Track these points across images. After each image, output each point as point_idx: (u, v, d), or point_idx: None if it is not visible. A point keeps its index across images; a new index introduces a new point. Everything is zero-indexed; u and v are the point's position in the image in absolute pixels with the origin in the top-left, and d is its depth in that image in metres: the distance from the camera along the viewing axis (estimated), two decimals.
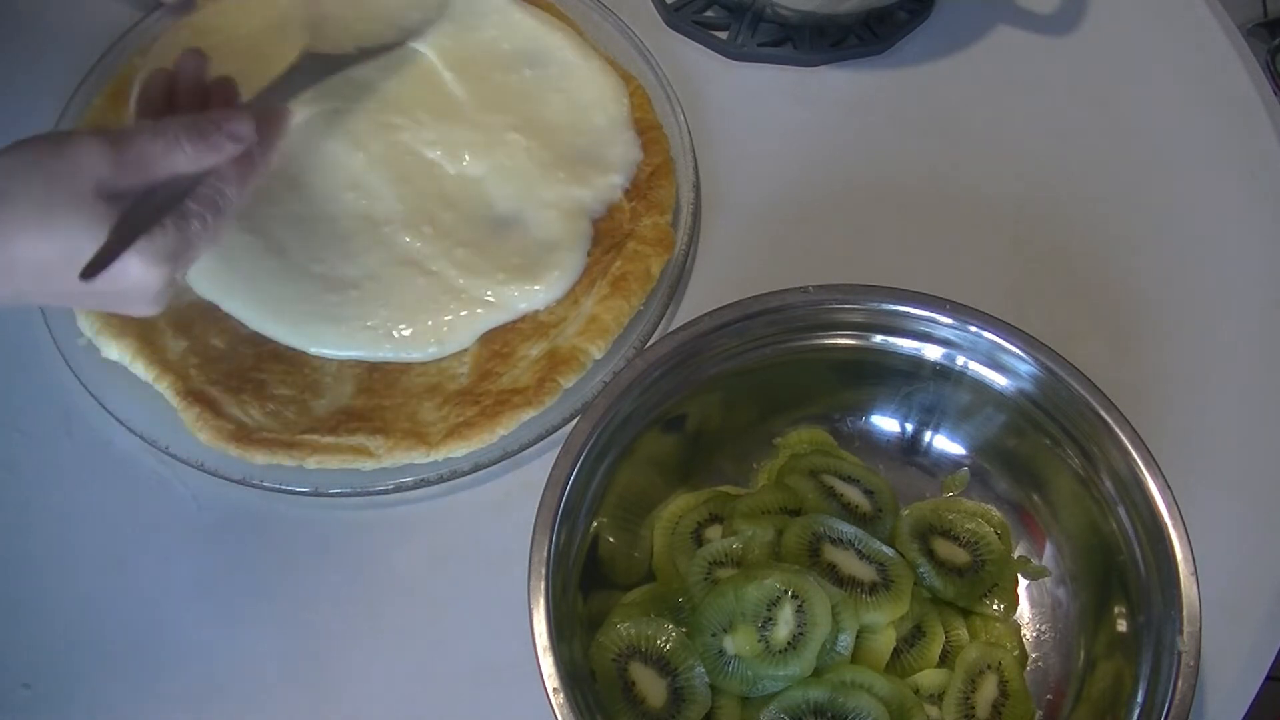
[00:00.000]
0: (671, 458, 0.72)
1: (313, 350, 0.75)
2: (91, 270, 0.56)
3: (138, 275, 0.58)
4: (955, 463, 0.74)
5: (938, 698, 0.67)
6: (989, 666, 0.67)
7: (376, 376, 0.76)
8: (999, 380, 0.69)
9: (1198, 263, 0.84)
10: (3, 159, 0.57)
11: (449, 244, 0.78)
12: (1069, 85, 0.90)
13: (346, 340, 0.75)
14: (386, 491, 0.73)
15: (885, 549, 0.68)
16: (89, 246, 0.56)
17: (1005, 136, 0.88)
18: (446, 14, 0.85)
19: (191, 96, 0.70)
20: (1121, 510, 0.66)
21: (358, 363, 0.76)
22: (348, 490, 0.73)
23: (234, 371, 0.74)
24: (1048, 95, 0.90)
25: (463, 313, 0.76)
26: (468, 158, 0.81)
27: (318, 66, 0.75)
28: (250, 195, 0.65)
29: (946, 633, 0.68)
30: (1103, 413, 0.65)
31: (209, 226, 0.61)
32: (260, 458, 0.72)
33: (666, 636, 0.65)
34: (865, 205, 0.85)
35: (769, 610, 0.63)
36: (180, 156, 0.60)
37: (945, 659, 0.68)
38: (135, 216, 0.58)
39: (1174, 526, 0.63)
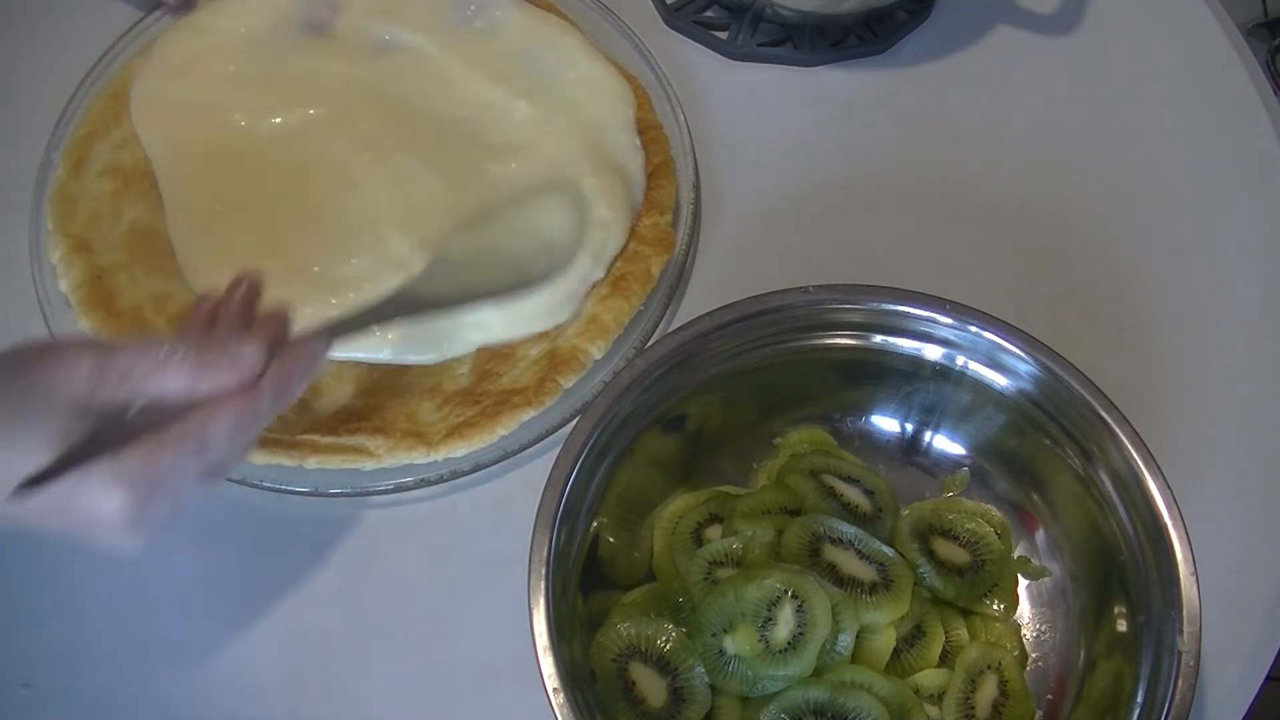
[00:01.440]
0: (671, 458, 0.72)
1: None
2: (29, 484, 0.50)
3: (95, 501, 0.52)
4: (955, 463, 0.74)
5: (938, 698, 0.67)
6: (989, 666, 0.67)
7: (376, 376, 0.76)
8: (999, 380, 0.69)
9: (1198, 263, 0.84)
10: None
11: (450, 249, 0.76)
12: (1069, 85, 0.90)
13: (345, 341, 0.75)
14: (386, 491, 0.73)
15: (885, 549, 0.68)
16: (46, 461, 0.51)
17: (1005, 136, 0.88)
18: (457, 23, 0.84)
19: (235, 322, 0.61)
20: (1121, 510, 0.66)
21: (358, 363, 0.76)
22: (348, 490, 0.73)
23: None
24: (1048, 95, 0.90)
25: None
26: (472, 160, 0.80)
27: (406, 306, 0.65)
28: (249, 443, 0.57)
29: (946, 633, 0.68)
30: (1103, 413, 0.65)
31: (188, 459, 0.53)
32: (260, 458, 0.72)
33: (666, 636, 0.65)
34: (865, 205, 0.85)
35: (769, 610, 0.63)
36: (170, 377, 0.54)
37: (945, 659, 0.68)
38: (105, 436, 0.52)
39: (1174, 526, 0.63)
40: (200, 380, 0.54)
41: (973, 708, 0.66)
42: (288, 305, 0.62)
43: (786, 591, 0.63)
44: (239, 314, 0.61)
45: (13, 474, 0.50)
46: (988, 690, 0.67)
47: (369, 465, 0.73)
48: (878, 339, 0.70)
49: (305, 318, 0.74)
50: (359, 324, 0.63)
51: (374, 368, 0.76)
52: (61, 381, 0.52)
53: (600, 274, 0.77)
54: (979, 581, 0.69)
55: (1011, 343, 0.67)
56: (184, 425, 0.54)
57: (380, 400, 0.75)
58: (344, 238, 0.78)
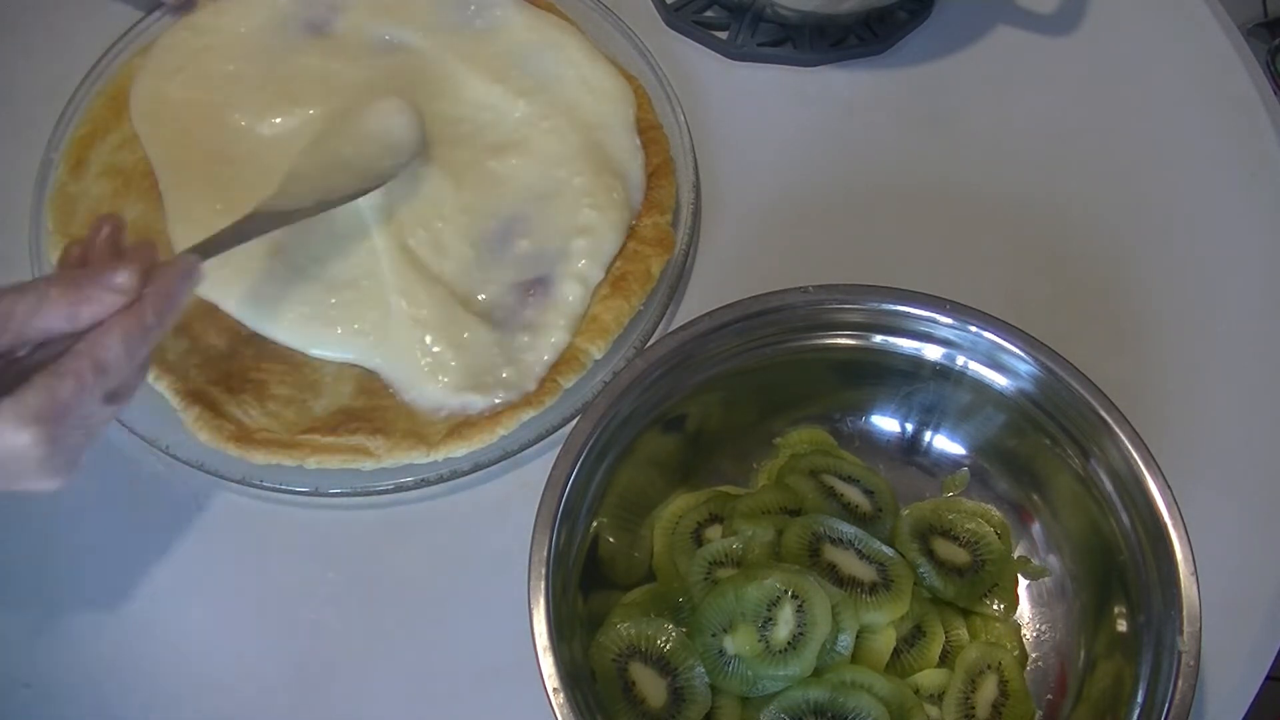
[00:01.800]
0: (671, 458, 0.72)
1: (312, 352, 0.75)
2: None
3: (7, 442, 0.53)
4: (955, 463, 0.74)
5: (938, 698, 0.67)
6: (989, 666, 0.67)
7: (376, 376, 0.76)
8: (999, 380, 0.69)
9: (1198, 262, 0.84)
10: None
11: (448, 255, 0.77)
12: (1069, 85, 0.90)
13: (342, 343, 0.75)
14: (386, 491, 0.73)
15: (885, 549, 0.68)
16: None
17: (1005, 136, 0.88)
18: (449, 28, 0.84)
19: (102, 258, 0.62)
20: (1121, 510, 0.66)
21: (357, 363, 0.76)
22: (348, 490, 0.73)
23: (234, 371, 0.74)
24: (1047, 95, 0.90)
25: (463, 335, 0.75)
26: (473, 160, 0.80)
27: (269, 220, 0.70)
28: (146, 355, 0.59)
29: (946, 633, 0.68)
30: (1103, 413, 0.65)
31: (89, 385, 0.55)
32: (260, 458, 0.72)
33: (666, 636, 0.65)
34: (865, 205, 0.85)
35: (769, 610, 0.63)
36: (50, 312, 0.55)
37: (945, 659, 0.68)
38: (1, 378, 0.54)
39: (1174, 526, 0.63)
40: (80, 310, 0.56)
41: (973, 708, 0.66)
42: (150, 241, 0.64)
43: (786, 591, 0.63)
44: (106, 250, 0.62)
45: None
46: (988, 690, 0.67)
47: (369, 465, 0.73)
48: (878, 339, 0.70)
49: (305, 319, 0.75)
50: (225, 240, 0.66)
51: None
52: None
53: (599, 275, 0.77)
54: (979, 581, 0.69)
55: (1011, 343, 0.67)
56: (76, 353, 0.55)
57: (380, 400, 0.75)
58: (342, 239, 0.78)
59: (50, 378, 0.54)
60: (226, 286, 0.76)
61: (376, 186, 0.76)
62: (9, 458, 0.54)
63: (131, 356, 0.57)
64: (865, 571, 0.67)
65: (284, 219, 0.71)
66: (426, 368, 0.74)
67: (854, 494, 0.70)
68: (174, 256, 0.62)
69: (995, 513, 0.72)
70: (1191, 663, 0.60)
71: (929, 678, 0.67)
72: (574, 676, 0.60)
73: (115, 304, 0.57)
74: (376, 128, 0.78)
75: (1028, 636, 0.70)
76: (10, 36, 0.88)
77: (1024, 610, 0.71)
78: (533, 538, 0.62)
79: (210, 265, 0.75)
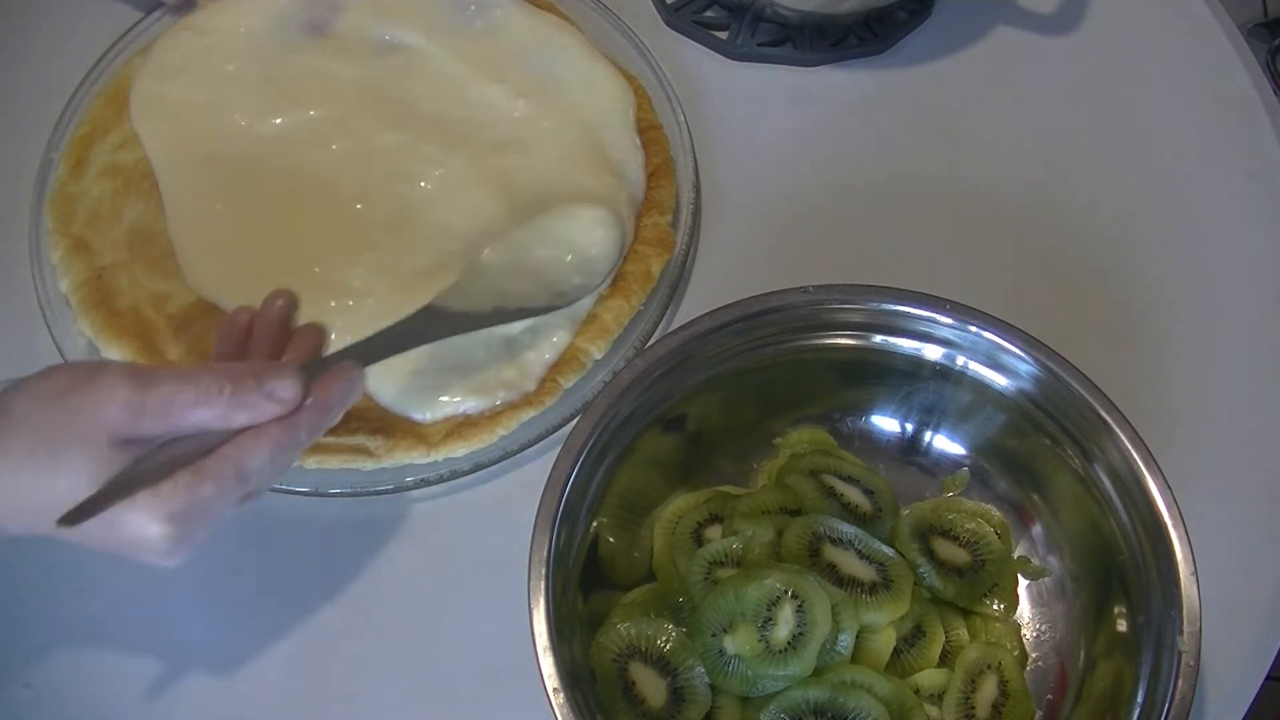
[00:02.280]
0: (671, 458, 0.72)
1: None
2: (70, 518, 0.52)
3: (137, 530, 0.54)
4: (955, 463, 0.74)
5: (938, 698, 0.67)
6: (989, 666, 0.67)
7: None
8: (999, 380, 0.69)
9: (1198, 262, 0.84)
10: (30, 386, 0.55)
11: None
12: (1069, 85, 0.90)
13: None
14: (386, 491, 0.73)
15: (885, 549, 0.68)
16: (87, 491, 0.52)
17: (1005, 136, 0.88)
18: (455, 28, 0.84)
19: (268, 340, 0.63)
20: (1121, 510, 0.66)
21: None
22: (348, 490, 0.73)
23: None
24: (1048, 95, 0.90)
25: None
26: (473, 161, 0.80)
27: (438, 323, 0.66)
28: (289, 464, 0.58)
29: (946, 633, 0.68)
30: (1103, 413, 0.65)
31: (228, 490, 0.55)
32: None
33: (666, 636, 0.65)
34: (865, 205, 0.85)
35: (769, 610, 0.63)
36: (208, 411, 0.55)
37: (945, 659, 0.68)
38: (147, 466, 0.54)
39: (1174, 526, 0.63)
40: (238, 415, 0.55)
41: (973, 708, 0.66)
42: (322, 324, 0.63)
43: (786, 591, 0.63)
44: (274, 332, 0.63)
45: (55, 501, 0.52)
46: (988, 690, 0.67)
47: (369, 465, 0.73)
48: (878, 339, 0.70)
49: (306, 318, 0.75)
50: (394, 344, 0.63)
51: None
52: (101, 414, 0.53)
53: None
54: (979, 581, 0.69)
55: (1011, 343, 0.67)
56: (221, 458, 0.55)
57: None
58: (344, 238, 0.78)
59: (192, 477, 0.54)
60: (226, 286, 0.76)
61: (560, 307, 0.72)
62: (138, 543, 0.55)
63: (274, 467, 0.57)
64: (865, 571, 0.67)
65: (453, 325, 0.66)
66: (416, 390, 0.74)
67: (854, 494, 0.70)
68: (340, 365, 0.60)
69: (995, 513, 0.72)
70: (1191, 663, 0.60)
71: (929, 678, 0.67)
72: (574, 676, 0.60)
73: (273, 414, 0.56)
74: (578, 237, 0.74)
75: (1028, 636, 0.70)
76: (10, 36, 0.88)
77: (1024, 610, 0.71)
78: (533, 538, 0.62)
79: (211, 266, 0.76)
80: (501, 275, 0.71)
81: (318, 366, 0.59)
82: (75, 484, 0.53)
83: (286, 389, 0.56)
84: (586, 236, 0.74)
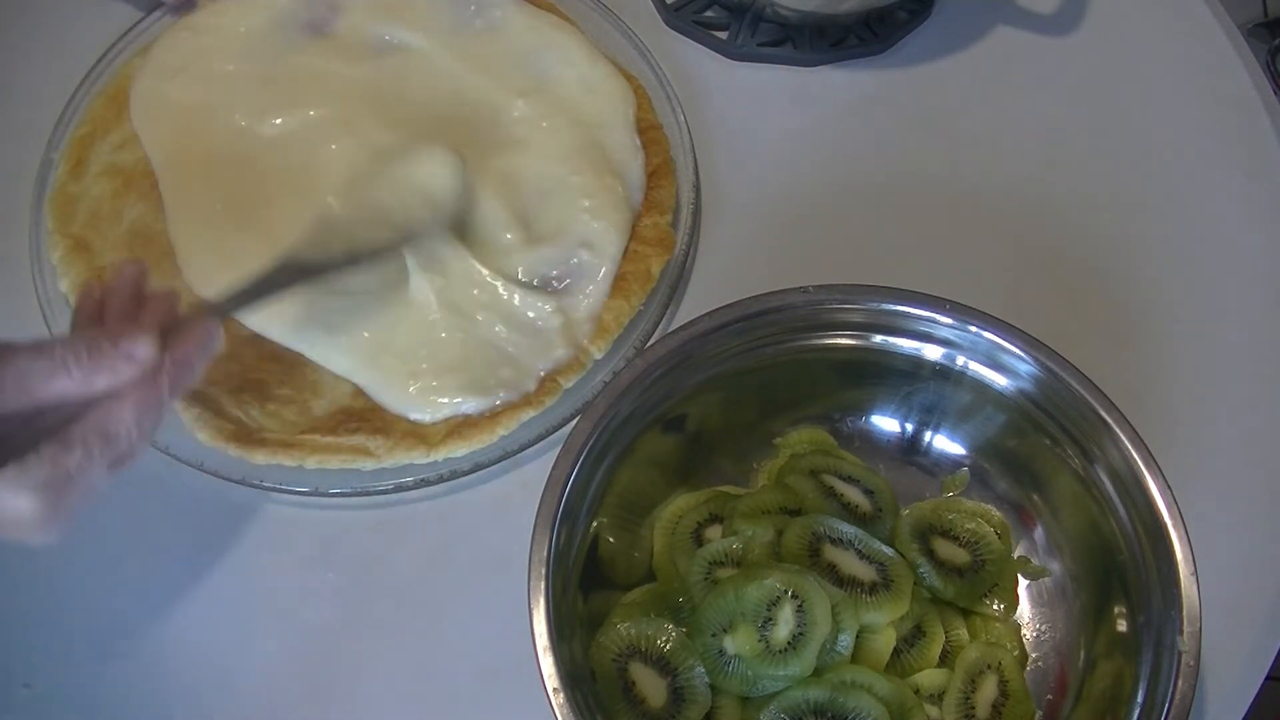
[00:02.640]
0: (671, 458, 0.72)
1: (310, 354, 0.75)
2: None
3: (7, 506, 0.53)
4: (955, 463, 0.74)
5: (938, 698, 0.67)
6: (989, 666, 0.67)
7: None
8: (999, 380, 0.69)
9: (1198, 262, 0.84)
10: None
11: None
12: (1069, 85, 0.90)
13: (339, 350, 0.75)
14: (386, 491, 0.73)
15: (885, 549, 0.68)
16: None
17: (1005, 136, 0.88)
18: (452, 30, 0.84)
19: (122, 308, 0.63)
20: (1121, 510, 0.66)
21: None
22: (348, 490, 0.73)
23: (234, 371, 0.74)
24: (1048, 95, 0.90)
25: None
26: (473, 161, 0.80)
27: (292, 272, 0.67)
28: (154, 429, 0.57)
29: (946, 633, 0.68)
30: (1103, 413, 0.65)
31: (95, 457, 0.54)
32: (260, 458, 0.72)
33: (666, 636, 0.65)
34: (865, 205, 0.85)
35: (769, 610, 0.63)
36: (65, 379, 0.54)
37: (945, 659, 0.68)
38: (7, 442, 0.53)
39: (1174, 526, 0.63)
40: (96, 379, 0.55)
41: (973, 708, 0.66)
42: (173, 289, 0.63)
43: (786, 591, 0.63)
44: (127, 299, 0.62)
45: None
46: (988, 690, 0.67)
47: (369, 465, 0.73)
48: (878, 339, 0.70)
49: (304, 320, 0.75)
50: (247, 297, 0.64)
51: None
52: None
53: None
54: (979, 581, 0.69)
55: (1011, 343, 0.67)
56: (85, 424, 0.54)
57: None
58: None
59: (57, 447, 0.54)
60: (226, 285, 0.76)
61: (406, 241, 0.73)
62: (9, 520, 0.53)
63: (141, 428, 0.56)
64: (865, 571, 0.67)
65: (310, 273, 0.67)
66: (415, 392, 0.74)
67: (854, 494, 0.70)
68: (191, 320, 0.60)
69: (995, 513, 0.72)
70: (1191, 663, 0.60)
71: (929, 678, 0.67)
72: (574, 676, 0.60)
73: (132, 375, 0.56)
74: (419, 177, 0.75)
75: (1028, 636, 0.70)
76: (10, 36, 0.88)
77: (1024, 610, 0.71)
78: (533, 538, 0.62)
79: (211, 266, 0.76)
80: (349, 224, 0.72)
81: (174, 326, 0.59)
82: None
83: (143, 348, 0.55)
84: (426, 176, 0.75)
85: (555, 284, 0.77)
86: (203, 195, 0.79)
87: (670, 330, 0.70)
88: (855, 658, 0.65)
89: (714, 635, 0.64)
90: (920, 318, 0.69)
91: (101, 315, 0.63)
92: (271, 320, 0.75)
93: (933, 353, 0.70)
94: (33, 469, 0.53)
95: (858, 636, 0.65)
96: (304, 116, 0.81)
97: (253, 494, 0.72)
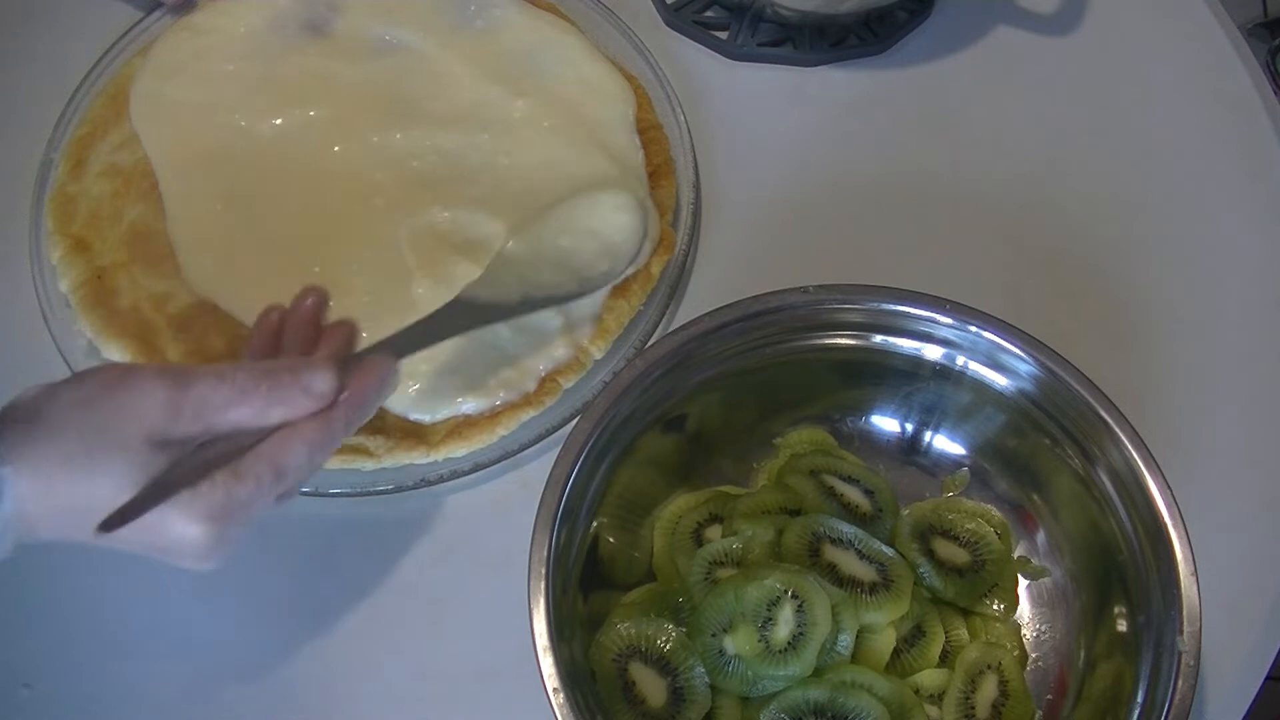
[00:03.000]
0: (671, 458, 0.72)
1: None
2: (110, 523, 0.51)
3: (177, 533, 0.54)
4: (955, 463, 0.74)
5: (938, 698, 0.67)
6: (989, 666, 0.67)
7: None
8: (999, 380, 0.69)
9: (1198, 262, 0.84)
10: (63, 390, 0.54)
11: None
12: (1069, 85, 0.90)
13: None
14: (386, 491, 0.73)
15: (885, 549, 0.68)
16: (127, 495, 0.52)
17: (1005, 136, 0.88)
18: (456, 26, 0.84)
19: (300, 337, 0.63)
20: (1121, 510, 0.66)
21: None
22: (348, 490, 0.73)
23: None
24: (1048, 95, 0.90)
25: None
26: (473, 161, 0.80)
27: (468, 314, 0.66)
28: (327, 458, 0.58)
29: (946, 633, 0.68)
30: (1103, 413, 0.65)
31: (266, 489, 0.55)
32: None
33: (666, 636, 0.65)
34: (865, 205, 0.85)
35: (769, 610, 0.63)
36: (245, 409, 0.54)
37: (945, 659, 0.68)
38: (185, 467, 0.53)
39: (1174, 526, 0.63)
40: (273, 411, 0.55)
41: (973, 708, 0.66)
42: (353, 320, 0.63)
43: (786, 591, 0.63)
44: (305, 329, 0.62)
45: (92, 506, 0.52)
46: (988, 690, 0.67)
47: (369, 465, 0.73)
48: (878, 339, 0.70)
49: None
50: (426, 336, 0.63)
51: None
52: (137, 416, 0.53)
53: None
54: (979, 581, 0.69)
55: (1011, 343, 0.67)
56: (259, 456, 0.55)
57: None
58: (344, 238, 0.78)
59: (230, 477, 0.54)
60: (226, 285, 0.76)
61: (587, 293, 0.72)
62: (177, 545, 0.54)
63: (313, 463, 0.57)
64: (865, 571, 0.67)
65: (483, 316, 0.66)
66: (415, 392, 0.74)
67: (854, 494, 0.70)
68: (373, 358, 0.60)
69: (995, 513, 0.72)
70: (1191, 663, 0.60)
71: (929, 678, 0.67)
72: (574, 676, 0.60)
73: (309, 409, 0.56)
74: (600, 223, 0.74)
75: (1028, 636, 0.70)
76: (10, 36, 0.88)
77: (1024, 610, 0.71)
78: (533, 538, 0.62)
79: (211, 266, 0.76)
80: (527, 265, 0.71)
81: (352, 361, 0.59)
82: (114, 488, 0.52)
83: (322, 383, 0.56)
84: (609, 223, 0.74)
85: None
86: (203, 195, 0.79)
87: (670, 330, 0.70)
88: (855, 658, 0.65)
89: (714, 635, 0.64)
90: (920, 318, 0.69)
91: (278, 343, 0.63)
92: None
93: (933, 353, 0.70)
94: (206, 498, 0.53)
95: (858, 636, 0.65)
96: (304, 116, 0.81)
97: None
